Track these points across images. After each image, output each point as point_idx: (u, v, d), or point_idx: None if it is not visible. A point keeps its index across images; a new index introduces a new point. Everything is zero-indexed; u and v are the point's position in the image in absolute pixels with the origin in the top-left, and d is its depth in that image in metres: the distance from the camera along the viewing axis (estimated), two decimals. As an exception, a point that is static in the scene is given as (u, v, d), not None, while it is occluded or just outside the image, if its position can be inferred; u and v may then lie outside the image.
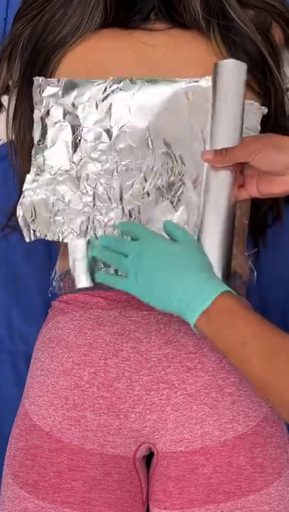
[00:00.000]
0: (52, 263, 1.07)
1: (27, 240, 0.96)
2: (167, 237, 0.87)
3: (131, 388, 0.89)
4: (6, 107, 1.07)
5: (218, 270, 0.86)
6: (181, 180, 0.94)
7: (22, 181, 1.07)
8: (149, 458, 0.95)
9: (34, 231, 0.96)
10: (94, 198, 0.96)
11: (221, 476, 0.87)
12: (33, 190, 0.97)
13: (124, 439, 0.90)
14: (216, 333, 0.79)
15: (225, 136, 0.88)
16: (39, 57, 1.03)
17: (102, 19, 1.02)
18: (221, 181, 0.87)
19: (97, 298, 0.94)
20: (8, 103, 1.07)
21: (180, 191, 0.94)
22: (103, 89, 0.97)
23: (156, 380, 0.89)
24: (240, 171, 0.88)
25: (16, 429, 0.94)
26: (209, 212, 0.88)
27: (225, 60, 0.90)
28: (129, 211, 0.94)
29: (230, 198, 0.88)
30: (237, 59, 0.98)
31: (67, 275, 0.98)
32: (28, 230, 0.97)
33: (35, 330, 1.03)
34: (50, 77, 1.02)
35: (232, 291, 0.81)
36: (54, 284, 1.01)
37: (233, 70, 0.90)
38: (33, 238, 0.97)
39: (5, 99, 1.08)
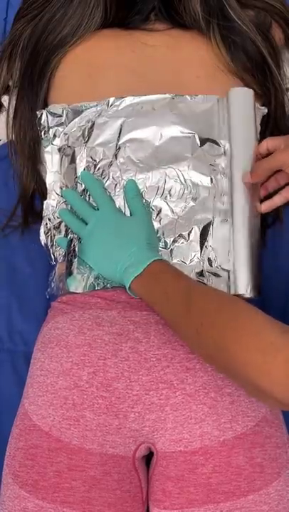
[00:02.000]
0: (53, 266, 1.07)
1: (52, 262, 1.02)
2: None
3: (130, 388, 0.89)
4: (6, 107, 1.08)
5: (249, 280, 0.94)
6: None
7: (22, 181, 1.07)
8: (149, 458, 0.95)
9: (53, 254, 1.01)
10: None
11: (221, 475, 0.87)
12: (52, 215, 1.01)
13: (124, 439, 0.90)
14: (146, 291, 0.88)
15: (241, 157, 0.96)
16: (39, 58, 1.03)
17: (102, 19, 1.02)
18: (245, 195, 0.95)
19: (97, 298, 0.94)
20: (8, 103, 1.08)
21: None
22: (100, 112, 0.97)
23: (155, 380, 0.89)
24: (262, 183, 0.97)
25: (15, 429, 0.94)
26: (236, 224, 0.95)
27: (233, 89, 0.97)
28: None
29: (253, 210, 0.95)
30: (237, 59, 0.99)
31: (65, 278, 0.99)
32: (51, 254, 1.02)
33: (35, 330, 1.03)
34: (50, 77, 1.02)
35: (165, 260, 0.90)
36: (52, 285, 1.01)
37: (242, 97, 0.97)
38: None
39: (5, 99, 1.09)
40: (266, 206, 0.97)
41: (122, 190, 0.95)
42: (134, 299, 0.93)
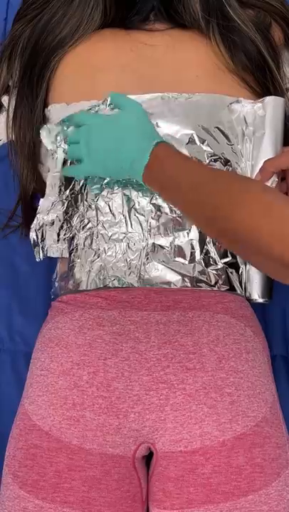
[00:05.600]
0: (52, 263, 1.07)
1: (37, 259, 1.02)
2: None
3: (130, 388, 0.89)
4: (6, 107, 1.08)
5: (262, 286, 0.96)
6: None
7: (22, 182, 1.07)
8: (149, 458, 0.95)
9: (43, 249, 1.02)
10: (96, 213, 0.96)
11: (220, 476, 0.87)
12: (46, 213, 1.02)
13: (124, 439, 0.90)
14: (154, 179, 0.88)
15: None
16: (39, 58, 1.03)
17: (101, 20, 1.02)
18: None
19: (97, 298, 0.94)
20: (8, 103, 1.08)
21: None
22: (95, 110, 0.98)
23: (155, 380, 0.89)
24: (282, 178, 0.97)
25: (15, 429, 0.94)
26: None
27: (267, 97, 0.99)
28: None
29: None
30: (237, 58, 0.99)
31: (67, 276, 0.99)
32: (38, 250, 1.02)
33: (35, 330, 1.03)
34: (49, 78, 1.02)
35: (166, 142, 0.91)
36: (56, 285, 1.01)
37: (274, 104, 0.98)
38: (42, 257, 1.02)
39: (5, 99, 1.08)
40: None
41: (120, 188, 0.96)
42: (135, 298, 0.93)
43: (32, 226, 1.02)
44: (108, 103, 0.97)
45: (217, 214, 0.80)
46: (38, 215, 1.02)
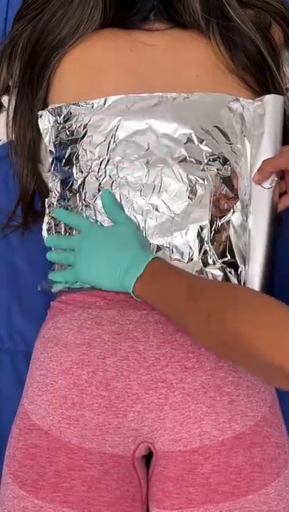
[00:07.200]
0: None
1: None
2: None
3: (129, 387, 0.89)
4: (6, 107, 1.08)
5: (261, 278, 0.96)
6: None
7: (22, 182, 1.07)
8: (148, 458, 0.95)
9: None
10: (95, 213, 0.97)
11: (220, 475, 0.87)
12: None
13: (123, 438, 0.90)
14: (149, 292, 0.88)
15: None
16: (39, 58, 1.03)
17: (101, 19, 1.02)
18: (264, 190, 0.97)
19: (96, 298, 0.94)
20: (8, 103, 1.08)
21: None
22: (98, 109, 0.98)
23: (154, 379, 0.89)
24: (282, 177, 0.98)
25: (15, 429, 0.94)
26: (255, 220, 0.96)
27: (267, 96, 0.98)
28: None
29: (273, 204, 0.97)
30: (237, 58, 0.99)
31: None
32: None
33: (35, 330, 1.03)
34: (49, 77, 1.02)
35: (162, 259, 0.90)
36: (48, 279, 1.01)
37: (274, 103, 0.98)
38: None
39: (5, 99, 1.09)
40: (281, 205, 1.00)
41: (118, 188, 0.95)
42: (133, 298, 0.93)
43: (43, 227, 1.02)
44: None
45: (218, 327, 0.79)
46: (45, 216, 1.03)
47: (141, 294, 0.88)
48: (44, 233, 1.02)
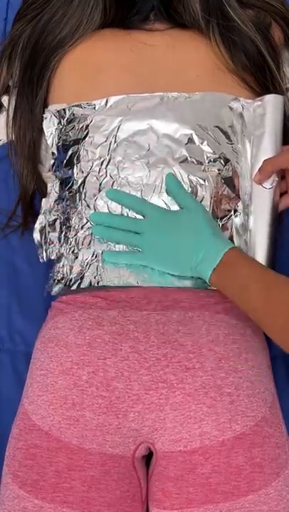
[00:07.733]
0: (52, 263, 1.07)
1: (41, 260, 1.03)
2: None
3: (130, 388, 0.89)
4: (6, 107, 1.08)
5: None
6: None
7: (22, 182, 1.07)
8: (148, 458, 0.95)
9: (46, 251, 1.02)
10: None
11: (220, 476, 0.87)
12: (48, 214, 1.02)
13: (123, 439, 0.90)
14: (225, 285, 0.89)
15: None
16: (39, 58, 1.03)
17: (101, 20, 1.02)
18: (265, 190, 0.97)
19: (96, 298, 0.94)
20: (8, 103, 1.08)
21: None
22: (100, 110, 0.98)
23: (154, 380, 0.89)
24: (282, 176, 0.98)
25: (15, 429, 0.94)
26: (256, 221, 0.97)
27: (267, 95, 0.99)
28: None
29: (274, 204, 0.97)
30: (237, 58, 1.00)
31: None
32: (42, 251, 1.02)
33: (35, 330, 1.03)
34: (49, 77, 1.03)
35: (236, 247, 0.91)
36: (50, 281, 1.01)
37: (274, 103, 0.98)
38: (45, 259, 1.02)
39: (5, 99, 1.09)
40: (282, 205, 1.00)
41: (119, 188, 0.95)
42: (135, 298, 0.93)
43: (36, 226, 1.02)
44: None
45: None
46: (40, 216, 1.02)
47: (217, 283, 0.90)
48: (36, 234, 1.02)
